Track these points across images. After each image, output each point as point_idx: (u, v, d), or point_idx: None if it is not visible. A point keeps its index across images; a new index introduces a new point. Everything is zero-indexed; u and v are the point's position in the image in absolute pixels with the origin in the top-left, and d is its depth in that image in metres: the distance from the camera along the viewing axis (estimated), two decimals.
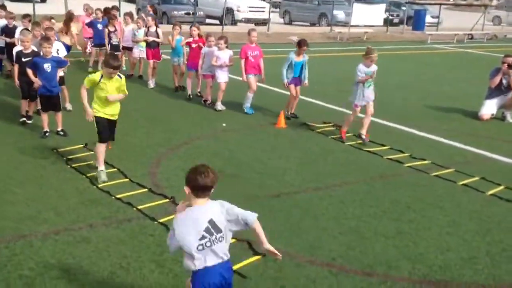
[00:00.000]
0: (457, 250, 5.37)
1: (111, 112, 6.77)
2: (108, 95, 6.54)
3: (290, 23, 32.02)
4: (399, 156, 8.20)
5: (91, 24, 14.12)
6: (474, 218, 6.18)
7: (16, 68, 8.87)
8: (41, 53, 8.34)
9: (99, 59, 14.28)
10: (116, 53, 12.01)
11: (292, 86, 9.91)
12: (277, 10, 33.87)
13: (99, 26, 13.78)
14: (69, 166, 7.17)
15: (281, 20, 32.44)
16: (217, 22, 27.54)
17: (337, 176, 7.34)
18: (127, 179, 6.77)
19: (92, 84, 6.53)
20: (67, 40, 13.49)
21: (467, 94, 13.37)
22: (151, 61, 12.53)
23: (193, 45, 11.44)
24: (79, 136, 8.16)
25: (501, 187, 7.08)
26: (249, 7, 29.10)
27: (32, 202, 6.00)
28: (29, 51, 8.75)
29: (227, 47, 10.52)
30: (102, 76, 6.50)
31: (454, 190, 7.02)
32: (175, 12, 26.39)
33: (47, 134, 8.33)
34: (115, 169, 7.07)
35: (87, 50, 15.57)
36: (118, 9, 15.06)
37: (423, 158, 8.09)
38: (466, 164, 8.02)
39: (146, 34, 12.54)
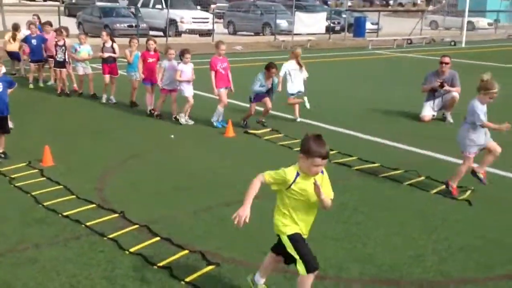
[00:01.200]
0: (405, 249, 5.51)
1: (308, 226, 4.27)
2: (324, 198, 3.96)
3: (234, 33, 32.19)
4: (347, 160, 8.36)
5: (25, 40, 13.75)
6: (420, 217, 6.36)
7: None
8: None
9: (39, 75, 13.92)
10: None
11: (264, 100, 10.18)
12: (221, 20, 33.99)
13: (34, 42, 13.44)
14: (12, 185, 6.94)
15: (226, 31, 32.55)
16: (161, 33, 27.38)
17: None
18: (73, 196, 6.61)
19: (281, 186, 4.08)
20: (15, 46, 13.80)
21: (408, 97, 13.77)
22: (107, 76, 12.17)
23: (150, 60, 11.03)
24: (21, 154, 7.94)
25: (444, 186, 7.31)
26: (192, 18, 29.09)
27: None
28: None
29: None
30: (298, 175, 4.00)
31: (400, 190, 7.20)
32: (118, 25, 26.11)
33: (2, 156, 7.92)
34: (61, 186, 6.89)
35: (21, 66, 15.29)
36: (51, 24, 14.56)
37: (372, 161, 8.25)
38: (411, 165, 8.22)
39: (102, 50, 12.19)
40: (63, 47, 12.68)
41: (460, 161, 7.23)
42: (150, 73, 10.96)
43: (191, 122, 10.40)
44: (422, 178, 7.60)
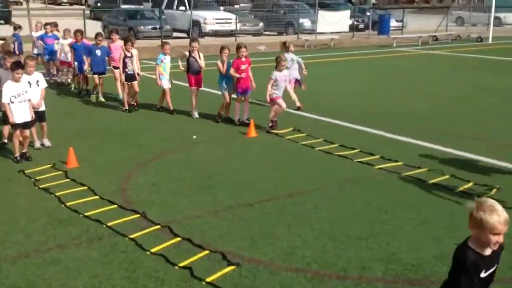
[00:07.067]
0: (429, 248, 5.41)
1: None
2: None
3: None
4: (369, 159, 8.26)
5: (89, 51, 12.74)
6: (445, 215, 6.23)
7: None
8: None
9: (99, 89, 12.81)
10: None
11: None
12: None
13: (98, 53, 12.53)
14: (37, 187, 7.04)
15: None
16: (184, 35, 27.52)
17: (309, 182, 7.35)
18: (96, 197, 6.67)
19: None
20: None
21: (433, 94, 13.57)
22: (195, 88, 11.08)
23: (243, 66, 10.28)
24: (46, 156, 8.06)
25: (470, 184, 7.16)
26: (215, 19, 29.14)
27: (0, 225, 5.88)
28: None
29: None
30: None
31: (425, 189, 7.07)
32: (142, 27, 26.33)
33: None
34: (85, 187, 6.97)
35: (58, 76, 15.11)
36: (117, 31, 13.59)
37: (395, 160, 8.13)
38: (436, 163, 8.07)
39: (188, 60, 11.09)
40: (132, 58, 11.56)
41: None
42: (245, 82, 10.38)
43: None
44: (447, 176, 7.46)
